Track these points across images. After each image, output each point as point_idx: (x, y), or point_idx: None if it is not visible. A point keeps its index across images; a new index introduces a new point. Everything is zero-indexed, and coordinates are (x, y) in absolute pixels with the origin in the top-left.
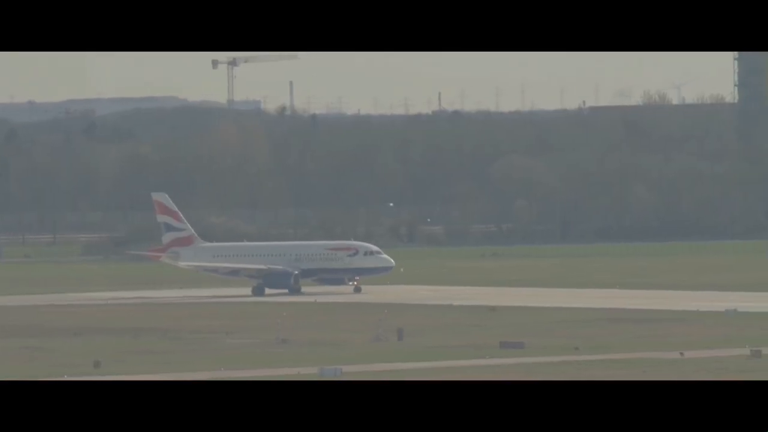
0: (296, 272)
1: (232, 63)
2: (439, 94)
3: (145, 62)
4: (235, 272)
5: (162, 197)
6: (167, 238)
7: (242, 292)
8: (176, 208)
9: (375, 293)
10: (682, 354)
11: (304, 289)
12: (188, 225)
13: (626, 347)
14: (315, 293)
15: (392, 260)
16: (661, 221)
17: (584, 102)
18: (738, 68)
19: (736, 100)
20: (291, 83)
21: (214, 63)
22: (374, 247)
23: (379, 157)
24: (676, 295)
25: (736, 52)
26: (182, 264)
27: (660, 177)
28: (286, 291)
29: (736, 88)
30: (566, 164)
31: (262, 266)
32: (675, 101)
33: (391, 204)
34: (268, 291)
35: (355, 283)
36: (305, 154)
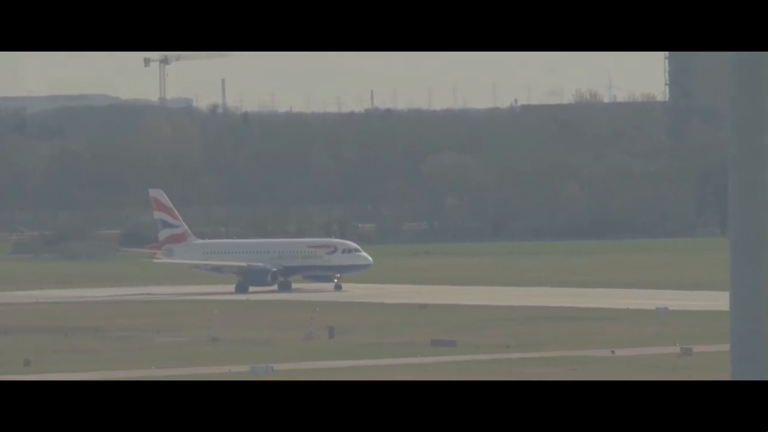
0: (274, 269)
1: (164, 61)
2: (372, 92)
3: (77, 60)
4: (218, 269)
5: (158, 194)
6: (163, 234)
7: (227, 289)
8: (171, 205)
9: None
10: (613, 352)
11: (293, 286)
12: (182, 222)
13: (558, 345)
14: (302, 290)
15: (370, 258)
16: (592, 219)
17: (516, 100)
18: (668, 67)
19: (666, 99)
20: (223, 81)
21: (146, 61)
22: (353, 245)
23: (311, 155)
24: (607, 293)
25: (666, 51)
26: (159, 261)
27: (591, 175)
28: (276, 288)
29: (667, 86)
30: (498, 162)
31: (242, 263)
32: (606, 100)
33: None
34: (253, 288)
35: (336, 280)
36: (237, 152)
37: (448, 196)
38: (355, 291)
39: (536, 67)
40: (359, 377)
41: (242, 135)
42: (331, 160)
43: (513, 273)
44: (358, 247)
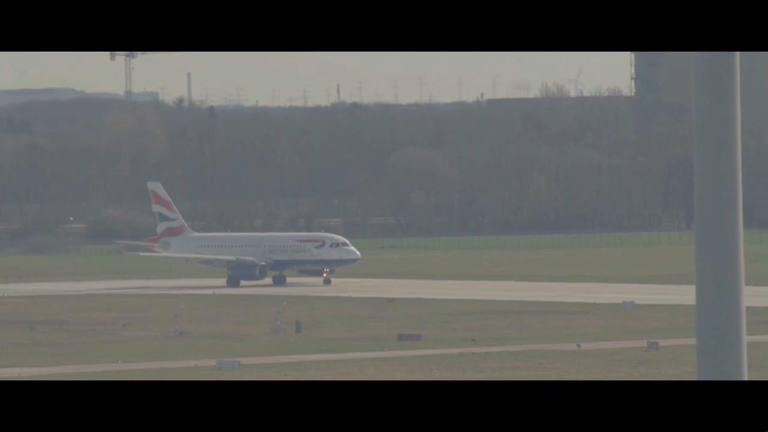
0: (262, 263)
1: (130, 55)
2: (338, 86)
3: (43, 54)
4: (209, 263)
5: (156, 186)
6: (161, 227)
7: (219, 283)
8: (169, 198)
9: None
10: (579, 346)
11: (288, 280)
12: (179, 215)
13: (524, 339)
14: (295, 284)
15: (358, 252)
16: (558, 213)
17: (482, 94)
18: (635, 61)
19: (632, 93)
20: (189, 75)
21: (112, 55)
22: (341, 239)
23: (277, 150)
24: (573, 287)
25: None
26: (145, 254)
27: (558, 169)
28: (271, 282)
29: (633, 81)
30: (464, 157)
31: (231, 257)
32: (572, 94)
33: None
34: (245, 282)
35: (325, 274)
36: (203, 146)
37: (414, 190)
38: (320, 286)
39: (502, 61)
40: (325, 371)
41: (208, 129)
42: (297, 155)
43: (479, 267)
44: (347, 241)
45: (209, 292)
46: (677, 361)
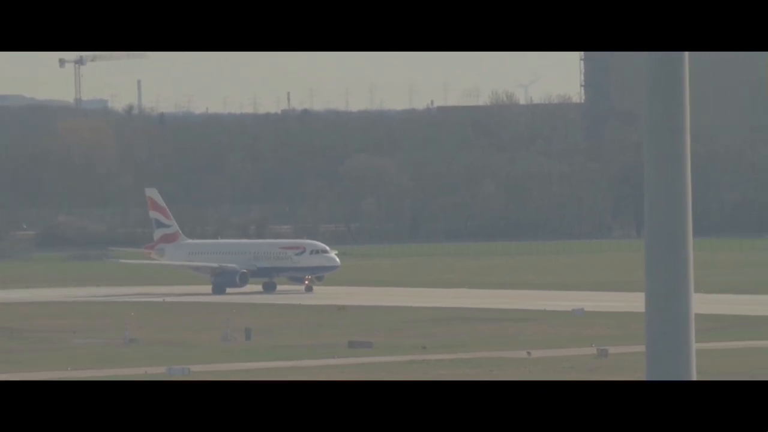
0: (243, 270)
1: (79, 62)
2: (288, 93)
3: None
4: (196, 270)
5: (153, 193)
6: (157, 234)
7: (205, 290)
8: (164, 205)
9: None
10: (529, 353)
11: (279, 287)
12: (174, 222)
13: (474, 346)
14: (283, 292)
15: (338, 259)
16: (509, 221)
17: (432, 102)
18: (584, 68)
19: (582, 100)
20: (139, 82)
21: (61, 62)
22: (321, 246)
23: (228, 156)
24: (523, 294)
25: (581, 53)
26: (126, 261)
27: (508, 176)
28: (261, 288)
29: (583, 88)
30: (415, 164)
31: (214, 264)
32: (522, 101)
33: None
34: (231, 289)
35: (307, 282)
36: (153, 153)
37: (366, 197)
38: (275, 293)
39: (452, 67)
40: (275, 378)
41: (158, 136)
42: (248, 162)
43: (429, 274)
44: (327, 248)
45: (159, 299)
46: (627, 369)
